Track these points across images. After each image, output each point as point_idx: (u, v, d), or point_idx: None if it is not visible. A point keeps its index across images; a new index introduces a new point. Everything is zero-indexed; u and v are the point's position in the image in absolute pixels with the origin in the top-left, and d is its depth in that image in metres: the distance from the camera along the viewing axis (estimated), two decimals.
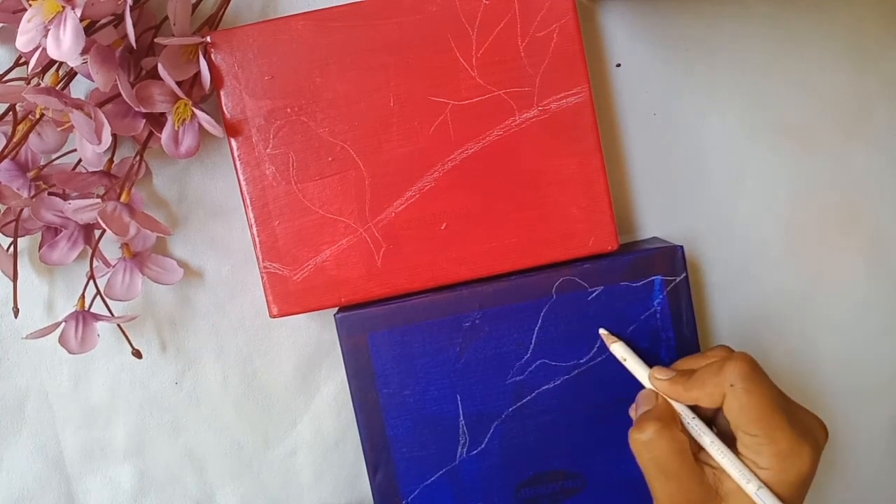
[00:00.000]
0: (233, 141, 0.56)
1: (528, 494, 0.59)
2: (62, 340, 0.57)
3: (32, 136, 0.56)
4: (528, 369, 0.58)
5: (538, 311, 0.57)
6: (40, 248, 0.58)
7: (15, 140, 0.54)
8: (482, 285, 0.57)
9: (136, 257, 0.59)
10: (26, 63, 0.54)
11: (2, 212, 0.57)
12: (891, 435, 0.65)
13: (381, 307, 0.57)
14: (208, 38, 0.55)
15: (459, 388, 0.58)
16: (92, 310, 0.58)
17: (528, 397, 0.58)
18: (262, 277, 0.56)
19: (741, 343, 0.64)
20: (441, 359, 0.58)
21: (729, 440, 0.51)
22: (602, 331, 0.57)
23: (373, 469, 0.58)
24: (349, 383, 0.58)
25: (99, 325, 0.58)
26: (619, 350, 0.56)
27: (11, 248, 0.58)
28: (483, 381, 0.58)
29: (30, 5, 0.49)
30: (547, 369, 0.58)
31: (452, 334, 0.57)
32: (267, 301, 0.57)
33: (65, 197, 0.57)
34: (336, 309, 0.59)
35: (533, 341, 0.58)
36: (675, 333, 0.58)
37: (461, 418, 0.58)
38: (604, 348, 0.57)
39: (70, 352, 0.57)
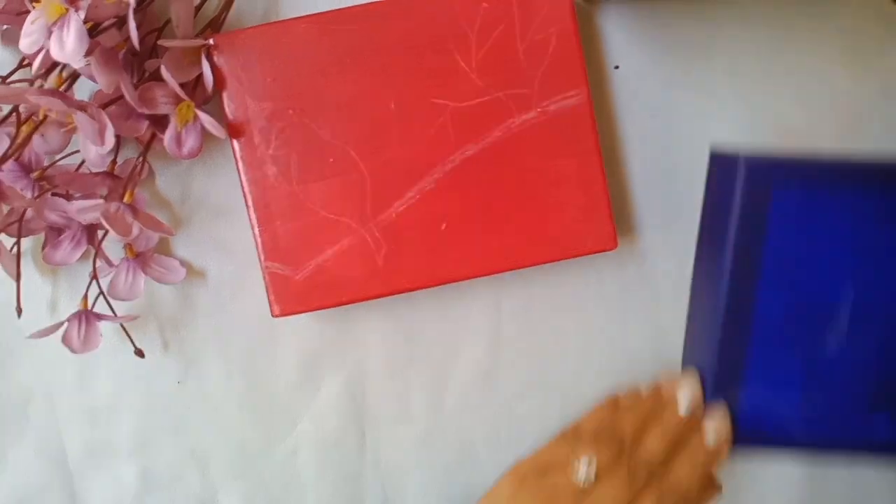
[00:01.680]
0: (235, 142, 0.56)
1: (879, 421, 0.53)
2: (65, 340, 0.57)
3: (36, 138, 0.57)
4: None
5: None
6: (44, 248, 0.59)
7: (18, 141, 0.54)
8: None
9: (138, 257, 0.60)
10: (30, 65, 0.54)
11: (5, 212, 0.58)
12: None
13: (795, 160, 0.50)
14: (211, 41, 0.55)
15: (854, 277, 0.51)
16: (95, 310, 0.59)
17: None
18: (264, 277, 0.57)
19: None
20: (845, 236, 0.50)
21: None
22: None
23: (726, 339, 0.53)
24: (732, 238, 0.51)
25: (102, 324, 0.58)
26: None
27: (15, 249, 0.58)
28: (883, 279, 0.51)
29: (33, 7, 0.49)
30: None
31: (866, 210, 0.50)
32: (269, 301, 0.57)
33: (68, 198, 0.57)
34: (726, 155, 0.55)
35: None
36: None
37: (843, 312, 0.51)
38: None
39: (73, 351, 0.58)
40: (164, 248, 0.62)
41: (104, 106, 0.53)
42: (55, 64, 0.54)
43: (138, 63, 0.56)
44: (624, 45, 0.62)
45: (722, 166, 0.55)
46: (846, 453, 0.54)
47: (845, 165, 0.51)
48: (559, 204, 0.57)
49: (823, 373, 0.53)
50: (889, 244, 0.51)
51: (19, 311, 0.59)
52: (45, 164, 0.58)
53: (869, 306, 0.52)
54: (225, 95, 0.56)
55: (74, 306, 0.59)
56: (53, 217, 0.57)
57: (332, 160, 0.56)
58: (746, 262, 0.52)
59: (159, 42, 0.53)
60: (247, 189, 0.56)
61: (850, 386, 0.53)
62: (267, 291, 0.57)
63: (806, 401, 0.53)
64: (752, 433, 0.54)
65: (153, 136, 0.57)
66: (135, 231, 0.55)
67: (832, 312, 0.52)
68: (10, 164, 0.56)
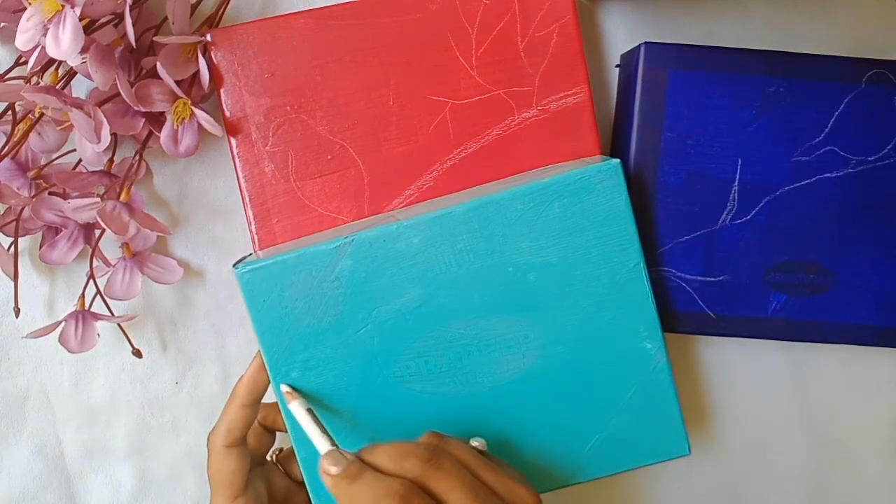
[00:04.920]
0: (232, 139, 0.56)
1: (775, 279, 0.57)
2: (62, 340, 0.57)
3: (33, 136, 0.56)
4: (816, 152, 0.56)
5: (843, 96, 0.56)
6: (41, 247, 0.58)
7: (15, 139, 0.54)
8: (792, 56, 0.56)
9: (136, 257, 0.59)
10: (26, 62, 0.54)
11: (2, 211, 0.57)
12: (891, 435, 0.65)
13: (690, 46, 0.56)
14: (208, 37, 0.55)
15: (743, 152, 0.56)
16: (92, 309, 0.58)
17: (808, 181, 0.57)
18: None
19: None
20: (735, 117, 0.56)
21: None
22: (283, 387, 0.53)
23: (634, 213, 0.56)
24: (636, 118, 0.57)
25: (99, 324, 0.58)
26: (298, 409, 0.51)
27: (12, 248, 0.58)
28: (768, 152, 0.56)
29: (29, 4, 0.49)
30: (834, 158, 0.57)
31: (753, 95, 0.56)
32: None
33: (65, 196, 0.57)
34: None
35: (829, 125, 0.56)
36: None
37: (735, 184, 0.57)
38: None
39: (70, 351, 0.57)
40: (161, 248, 0.61)
41: (100, 104, 0.53)
42: (51, 61, 0.53)
43: (135, 60, 0.56)
44: (625, 43, 0.62)
45: (627, 60, 0.60)
46: (747, 330, 0.58)
47: (733, 52, 0.56)
48: None
49: (722, 249, 0.57)
50: (772, 125, 0.56)
51: (17, 310, 0.59)
52: (42, 162, 0.58)
53: (756, 184, 0.57)
54: (222, 91, 0.56)
55: (72, 306, 0.58)
56: (50, 216, 0.56)
57: (329, 157, 0.56)
58: (649, 139, 0.56)
59: (155, 39, 0.53)
60: (244, 186, 0.56)
61: (745, 262, 0.57)
62: None
63: (708, 277, 0.57)
64: (662, 314, 0.56)
65: (150, 134, 0.57)
66: (132, 230, 0.55)
67: (726, 188, 0.57)
68: (6, 163, 0.55)
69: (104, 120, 0.52)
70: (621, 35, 0.62)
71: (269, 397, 0.54)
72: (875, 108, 0.56)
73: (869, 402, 0.65)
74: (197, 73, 0.55)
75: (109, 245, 0.60)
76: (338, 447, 0.48)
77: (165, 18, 0.56)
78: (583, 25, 0.59)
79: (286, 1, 0.60)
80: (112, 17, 0.53)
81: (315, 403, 0.53)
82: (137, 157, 0.57)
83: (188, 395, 0.63)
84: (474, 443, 0.51)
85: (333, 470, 0.46)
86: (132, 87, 0.53)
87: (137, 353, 0.61)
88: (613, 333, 0.54)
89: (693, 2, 0.62)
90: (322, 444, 0.48)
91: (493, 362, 0.54)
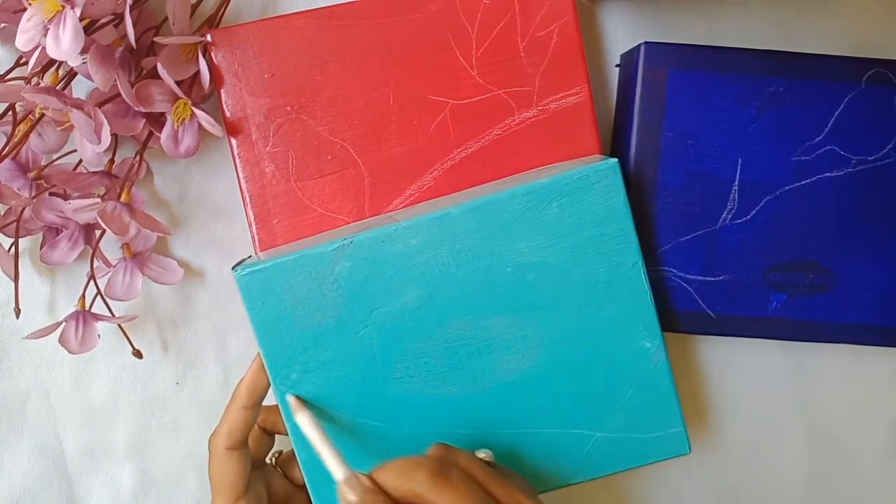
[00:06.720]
0: (233, 139, 0.56)
1: (775, 279, 0.57)
2: (62, 340, 0.57)
3: (33, 136, 0.56)
4: (816, 152, 0.57)
5: (843, 96, 0.56)
6: (41, 248, 0.58)
7: (15, 140, 0.54)
8: (793, 56, 0.57)
9: (136, 257, 0.59)
10: (26, 63, 0.54)
11: (3, 212, 0.57)
12: (891, 435, 0.65)
13: (690, 46, 0.57)
14: (208, 37, 0.55)
15: (743, 152, 0.57)
16: (92, 310, 0.58)
17: (808, 180, 0.57)
18: None
19: None
20: (735, 117, 0.56)
21: None
22: (290, 397, 0.53)
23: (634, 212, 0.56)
24: (636, 118, 0.57)
25: (99, 325, 0.58)
26: (305, 423, 0.51)
27: (13, 249, 0.58)
28: (768, 152, 0.57)
29: (29, 4, 0.49)
30: (834, 157, 0.57)
31: (753, 95, 0.56)
32: None
33: (66, 197, 0.57)
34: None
35: (829, 125, 0.56)
36: None
37: (735, 183, 0.57)
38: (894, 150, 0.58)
39: (70, 352, 0.57)
40: (162, 248, 0.61)
41: (101, 104, 0.53)
42: (52, 61, 0.53)
43: (135, 61, 0.56)
44: (625, 43, 0.62)
45: (627, 60, 0.60)
46: (747, 330, 0.58)
47: (733, 52, 0.57)
48: None
49: (722, 248, 0.57)
50: (772, 125, 0.56)
51: (18, 311, 0.59)
52: (43, 163, 0.58)
53: (756, 184, 0.57)
54: (223, 92, 0.56)
55: (72, 306, 0.58)
56: (51, 217, 0.56)
57: (330, 157, 0.56)
58: (649, 139, 0.56)
59: (155, 39, 0.53)
60: (244, 186, 0.56)
61: (745, 262, 0.57)
62: None
63: (708, 276, 0.57)
64: (663, 313, 0.56)
65: (150, 134, 0.57)
66: (132, 230, 0.55)
67: (726, 188, 0.57)
68: (7, 163, 0.55)
69: (104, 120, 0.52)
70: (621, 35, 0.62)
71: (269, 400, 0.54)
72: (875, 108, 0.56)
73: (869, 402, 0.65)
74: (197, 74, 0.55)
75: (110, 245, 0.60)
76: (349, 468, 0.47)
77: (165, 19, 0.56)
78: (583, 25, 0.59)
79: (286, 1, 0.60)
80: (112, 17, 0.53)
81: (315, 405, 0.53)
82: (138, 158, 0.57)
83: (189, 396, 0.63)
84: (481, 454, 0.51)
85: (352, 498, 0.46)
86: (132, 87, 0.53)
87: (138, 354, 0.61)
88: (612, 332, 0.54)
89: (693, 2, 0.62)
90: (336, 468, 0.47)
91: (493, 362, 0.54)
